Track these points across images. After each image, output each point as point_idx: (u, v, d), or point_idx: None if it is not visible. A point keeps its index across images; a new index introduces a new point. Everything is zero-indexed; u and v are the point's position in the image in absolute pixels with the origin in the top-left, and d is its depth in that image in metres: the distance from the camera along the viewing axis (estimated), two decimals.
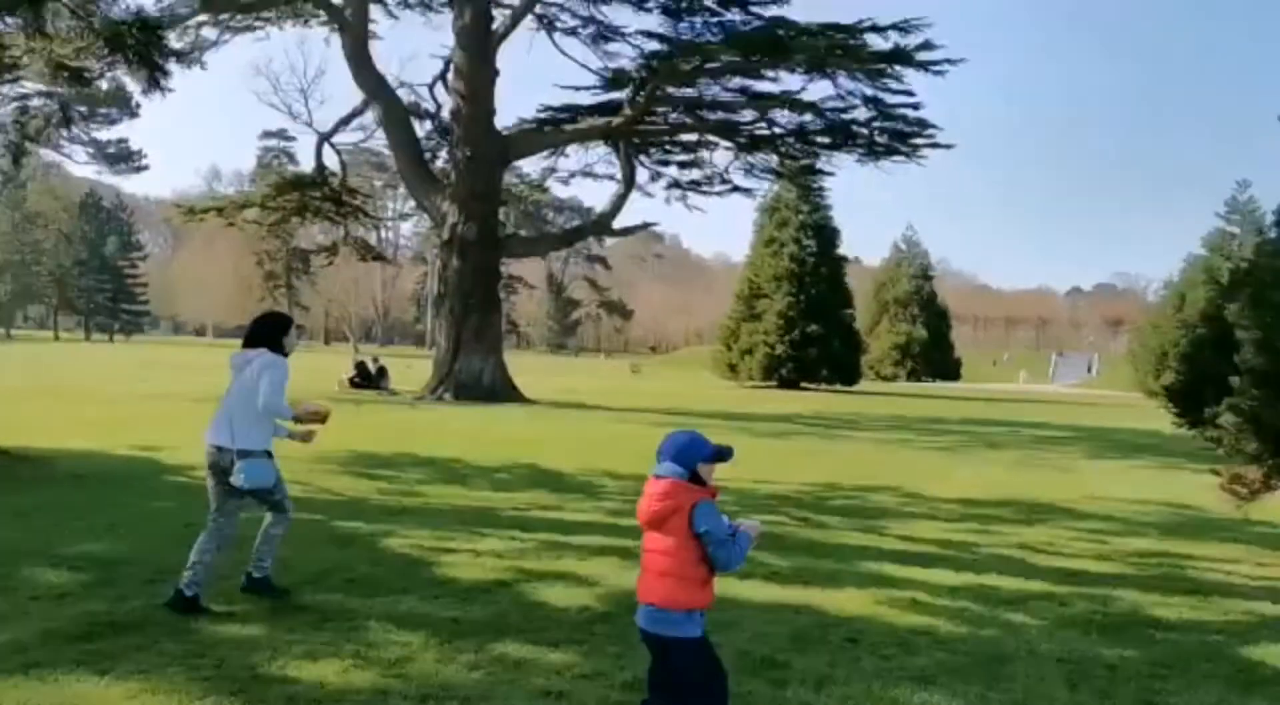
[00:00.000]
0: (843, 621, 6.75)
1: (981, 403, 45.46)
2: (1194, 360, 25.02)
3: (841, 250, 53.30)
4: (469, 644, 5.92)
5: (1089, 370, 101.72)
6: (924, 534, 10.47)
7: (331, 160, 34.91)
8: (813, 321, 48.93)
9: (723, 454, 4.42)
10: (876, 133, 30.10)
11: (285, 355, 6.71)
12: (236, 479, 6.39)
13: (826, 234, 51.64)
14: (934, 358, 71.52)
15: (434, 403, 27.75)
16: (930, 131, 29.51)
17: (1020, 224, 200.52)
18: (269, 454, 6.61)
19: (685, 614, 4.20)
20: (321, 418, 6.84)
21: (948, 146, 29.97)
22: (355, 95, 32.24)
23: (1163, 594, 8.06)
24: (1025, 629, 6.78)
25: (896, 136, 29.99)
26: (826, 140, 31.41)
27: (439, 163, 33.80)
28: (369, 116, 33.24)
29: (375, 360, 33.85)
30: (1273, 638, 6.86)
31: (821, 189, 49.12)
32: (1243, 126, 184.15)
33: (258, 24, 31.40)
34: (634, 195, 33.58)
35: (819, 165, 33.92)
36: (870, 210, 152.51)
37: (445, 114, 32.31)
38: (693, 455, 4.33)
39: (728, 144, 33.18)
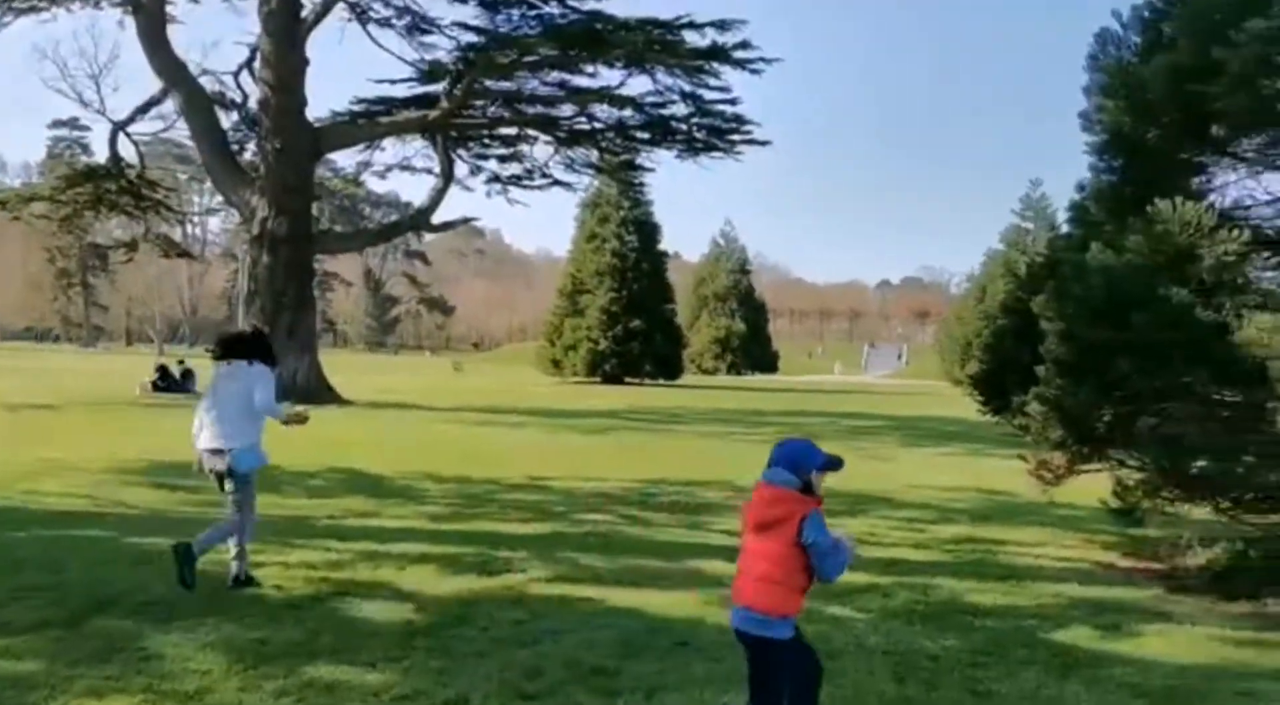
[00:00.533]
0: (672, 624, 6.62)
1: (799, 394, 46.62)
2: (996, 350, 26.20)
3: (662, 246, 53.79)
4: (277, 668, 5.51)
5: (899, 359, 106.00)
6: None
7: (129, 151, 32.95)
8: (635, 317, 49.20)
9: (833, 463, 4.42)
10: (695, 128, 30.37)
11: (275, 366, 7.76)
12: (235, 465, 7.30)
13: (648, 229, 51.98)
14: (753, 351, 73.12)
15: None
16: (748, 128, 30.00)
17: (832, 219, 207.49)
18: (258, 446, 7.49)
19: (781, 618, 4.29)
20: (303, 420, 7.94)
21: (764, 143, 30.52)
22: (153, 82, 30.49)
23: (978, 580, 8.27)
24: (852, 623, 6.80)
25: (714, 132, 30.33)
26: (646, 135, 31.52)
27: (247, 155, 32.35)
28: (169, 105, 31.47)
29: (181, 362, 32.16)
30: (1082, 620, 7.09)
31: (642, 184, 49.42)
32: (1039, 125, 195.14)
33: (41, 4, 29.25)
34: (453, 189, 32.97)
35: (639, 160, 34.04)
36: (690, 206, 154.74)
37: (253, 104, 30.93)
38: (806, 464, 4.37)
39: (547, 138, 32.90)
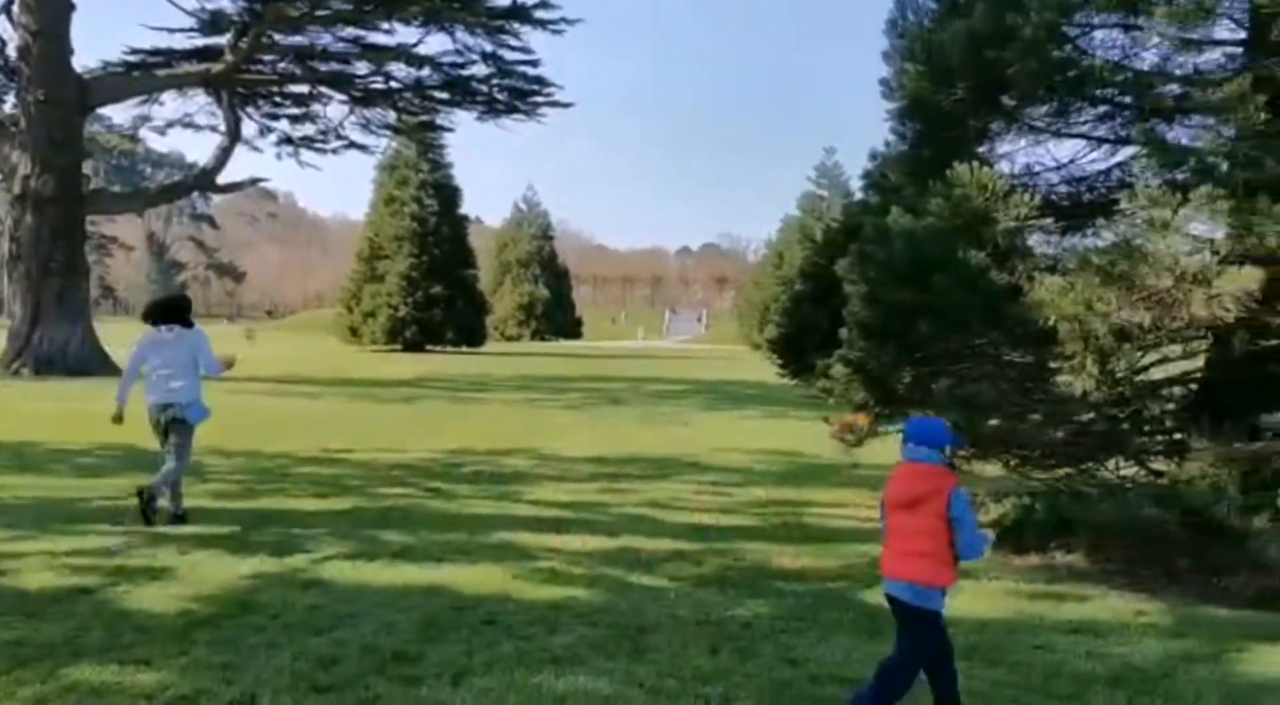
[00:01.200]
0: (479, 601, 6.31)
1: (603, 360, 46.76)
2: (794, 314, 26.82)
3: (463, 210, 52.74)
4: (35, 671, 4.93)
5: (699, 323, 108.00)
6: (558, 498, 10.28)
7: None
8: (436, 283, 48.13)
9: (960, 441, 4.76)
10: (496, 89, 29.75)
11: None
12: (187, 416, 8.70)
13: (448, 193, 50.79)
14: (556, 317, 73.05)
15: (9, 379, 24.51)
16: (550, 90, 29.61)
17: (633, 186, 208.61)
18: (202, 400, 8.89)
19: (940, 589, 4.45)
20: (230, 365, 9.46)
21: (567, 105, 30.22)
22: None
23: (787, 544, 8.31)
24: (664, 593, 6.66)
25: (516, 94, 29.79)
26: (445, 96, 30.68)
27: (6, 107, 29.72)
28: None
29: None
30: None
31: (442, 146, 48.35)
32: (836, 95, 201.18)
33: None
34: (242, 150, 31.32)
35: (438, 121, 33.11)
36: (490, 171, 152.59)
37: (11, 51, 28.35)
38: (944, 440, 4.56)
39: (342, 97, 31.59)
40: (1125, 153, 8.70)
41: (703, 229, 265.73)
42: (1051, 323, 7.61)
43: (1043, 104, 8.57)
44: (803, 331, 25.93)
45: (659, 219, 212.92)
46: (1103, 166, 8.56)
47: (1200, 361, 8.56)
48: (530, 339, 69.96)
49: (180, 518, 8.57)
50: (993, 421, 8.29)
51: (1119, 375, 7.62)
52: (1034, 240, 8.36)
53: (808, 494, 10.84)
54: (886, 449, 10.25)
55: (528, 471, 12.01)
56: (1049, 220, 8.20)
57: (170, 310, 9.07)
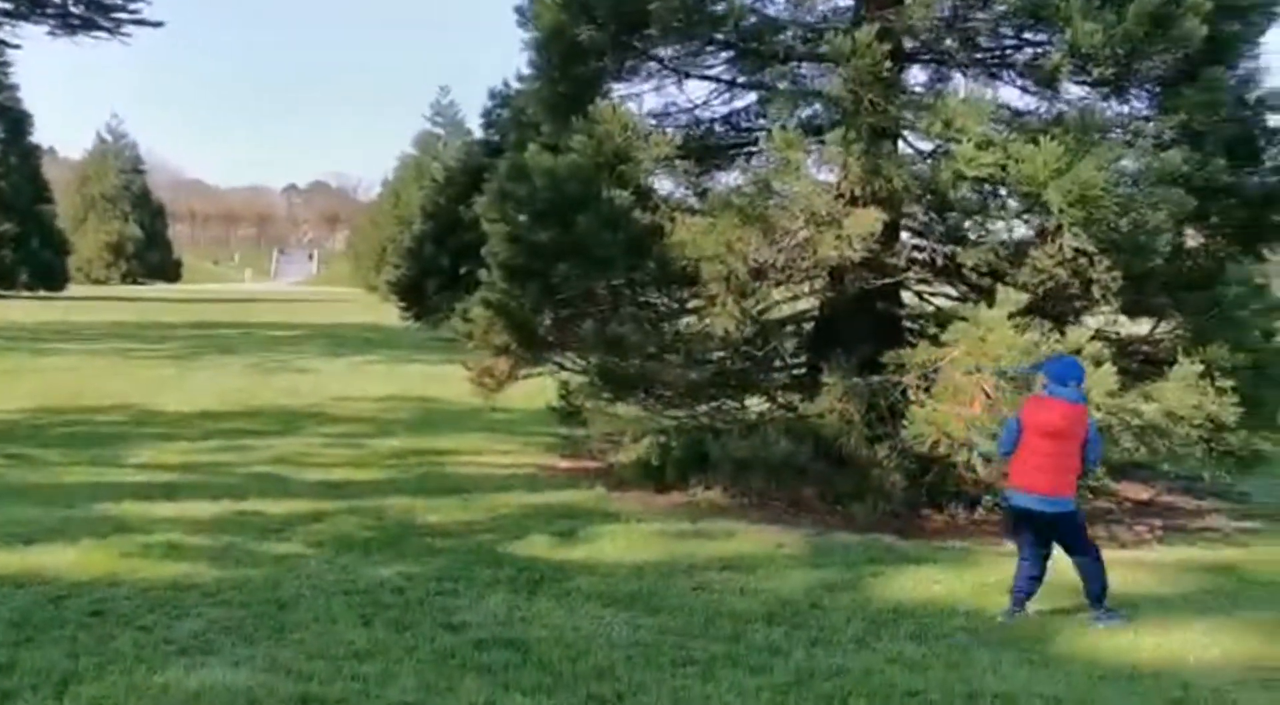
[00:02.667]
0: (82, 588, 5.40)
1: (208, 304, 43.49)
2: (416, 255, 26.06)
3: (35, 138, 46.89)
4: None
5: (310, 261, 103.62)
6: (168, 459, 9.23)
7: None
8: (4, 219, 42.58)
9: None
10: (71, 2, 26.34)
11: None
12: None
13: (15, 118, 44.90)
14: (150, 258, 67.07)
15: None
16: (136, 6, 26.55)
17: (230, 118, 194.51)
18: None
19: (1070, 496, 5.49)
20: None
21: (156, 24, 27.20)
22: None
23: (429, 497, 7.89)
24: (303, 560, 6.05)
25: (95, 7, 26.50)
26: (9, 5, 26.76)
27: None
28: None
29: None
30: (538, 529, 6.98)
31: (6, 66, 42.59)
32: (443, 38, 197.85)
33: None
34: None
35: (1, 36, 28.96)
36: (65, 96, 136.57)
37: None
38: (1081, 376, 5.63)
39: None
40: (752, 97, 8.93)
41: (309, 166, 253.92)
42: (693, 263, 7.67)
43: (679, 43, 8.56)
44: (425, 273, 25.31)
45: (261, 154, 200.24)
46: (736, 107, 8.72)
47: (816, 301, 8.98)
48: (121, 282, 63.83)
49: None
50: (634, 362, 8.27)
51: (755, 314, 7.83)
52: (674, 181, 8.37)
53: (445, 442, 10.47)
54: (522, 392, 10.11)
55: (129, 432, 10.73)
56: (689, 161, 8.23)
57: None
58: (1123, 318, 8.36)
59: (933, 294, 8.88)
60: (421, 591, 5.53)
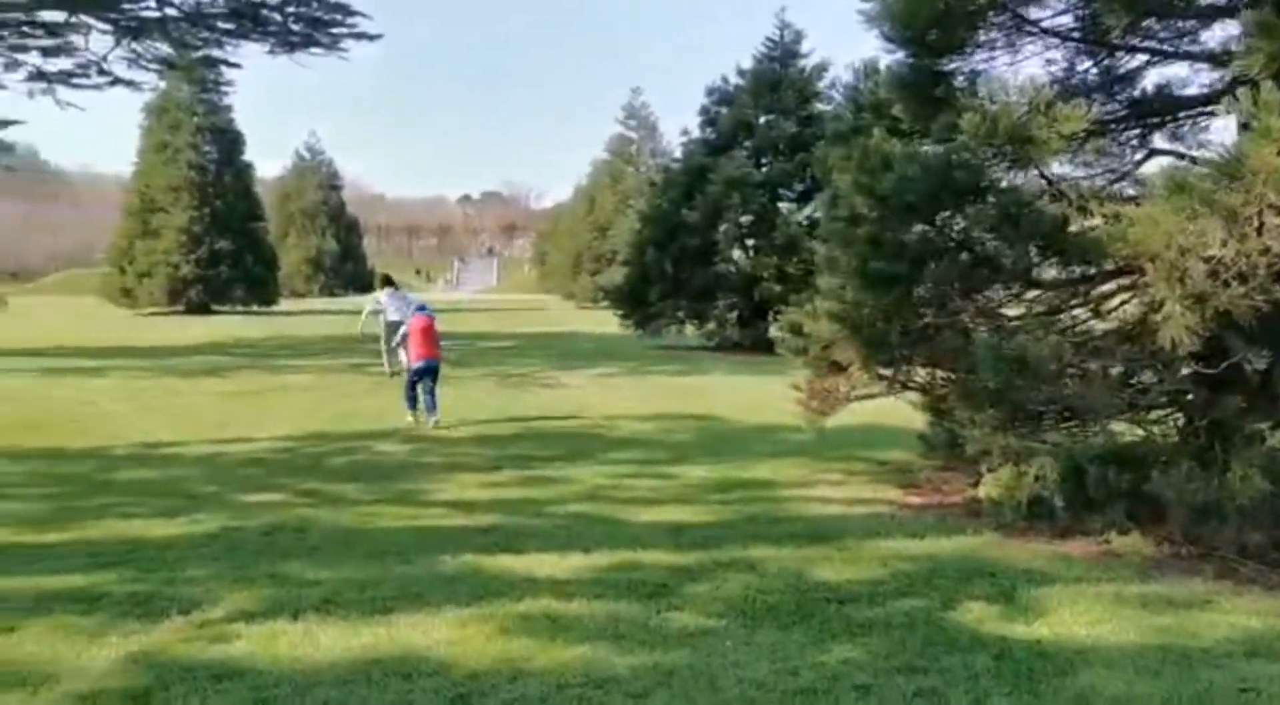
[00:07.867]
0: (483, 682, 4.39)
1: None
2: (637, 261, 25.10)
3: (246, 157, 48.34)
4: None
5: (491, 273, 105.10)
6: (473, 495, 8.34)
7: None
8: (222, 237, 43.91)
9: None
10: (291, 19, 26.49)
11: None
12: None
13: (229, 138, 46.35)
14: (346, 271, 69.01)
15: None
16: (354, 20, 26.52)
17: (409, 132, 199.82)
18: None
19: None
20: None
21: (375, 37, 27.11)
22: None
23: (795, 546, 6.71)
24: (716, 640, 4.91)
25: (314, 24, 26.59)
26: (231, 25, 27.11)
27: None
28: None
29: None
30: (963, 592, 5.70)
31: (220, 85, 43.98)
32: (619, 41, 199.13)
33: None
34: None
35: (223, 55, 29.47)
36: (260, 116, 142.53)
37: None
38: None
39: (105, 26, 27.56)
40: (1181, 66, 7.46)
41: (480, 177, 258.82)
42: (1123, 260, 6.29)
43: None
44: (645, 279, 24.38)
45: (435, 167, 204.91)
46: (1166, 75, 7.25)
47: None
48: (319, 295, 65.74)
49: None
50: (1042, 384, 6.88)
51: (1210, 322, 6.34)
52: (1083, 164, 6.99)
53: (758, 470, 9.30)
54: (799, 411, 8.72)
55: (409, 460, 9.98)
56: (1105, 140, 6.84)
57: None
58: None
59: None
60: (895, 694, 4.33)
